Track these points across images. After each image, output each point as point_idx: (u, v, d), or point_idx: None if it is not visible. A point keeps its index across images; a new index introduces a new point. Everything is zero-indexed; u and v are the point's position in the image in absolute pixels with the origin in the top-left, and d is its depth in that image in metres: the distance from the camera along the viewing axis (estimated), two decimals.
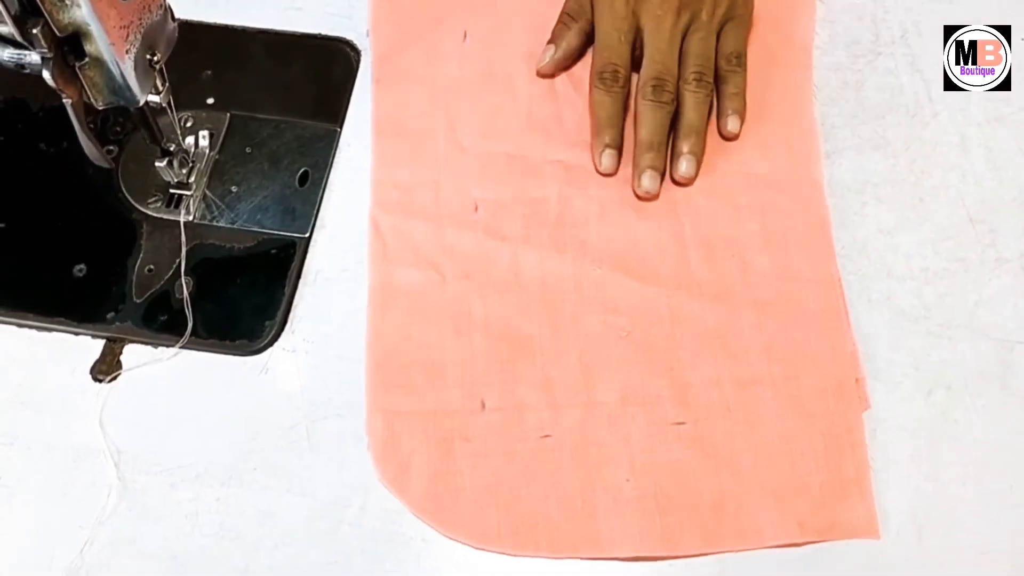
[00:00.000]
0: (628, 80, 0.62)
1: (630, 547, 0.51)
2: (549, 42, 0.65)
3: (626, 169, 0.61)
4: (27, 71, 0.47)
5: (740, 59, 0.63)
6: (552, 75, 0.65)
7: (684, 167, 0.60)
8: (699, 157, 0.61)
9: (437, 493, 0.52)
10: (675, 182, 0.61)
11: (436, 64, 0.65)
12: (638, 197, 0.60)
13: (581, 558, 0.51)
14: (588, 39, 0.65)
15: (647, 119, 0.61)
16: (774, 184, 0.61)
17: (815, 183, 0.61)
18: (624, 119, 0.62)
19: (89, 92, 0.49)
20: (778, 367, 0.55)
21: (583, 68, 0.65)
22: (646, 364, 0.56)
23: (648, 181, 0.60)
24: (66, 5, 0.44)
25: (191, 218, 0.59)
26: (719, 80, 0.63)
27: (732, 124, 0.62)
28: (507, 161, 0.62)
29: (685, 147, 0.61)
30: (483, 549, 0.51)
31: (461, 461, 0.53)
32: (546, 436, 0.54)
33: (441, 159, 0.62)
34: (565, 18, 0.65)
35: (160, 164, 0.58)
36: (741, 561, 0.51)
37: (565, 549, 0.51)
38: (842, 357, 0.56)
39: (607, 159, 0.61)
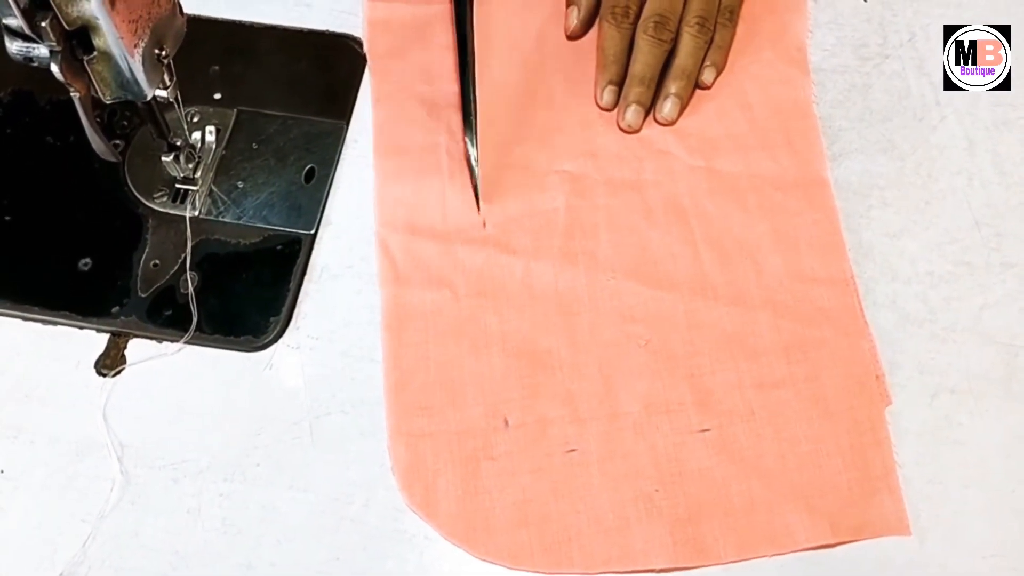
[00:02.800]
0: (637, 17, 0.63)
1: (666, 559, 0.51)
2: (569, 4, 0.66)
3: (630, 178, 0.62)
4: (35, 64, 0.47)
5: (733, 15, 0.65)
6: (581, 35, 0.66)
7: (668, 108, 0.62)
8: (684, 101, 0.63)
9: (467, 515, 0.52)
10: (657, 121, 0.63)
11: (433, 81, 0.65)
12: (622, 130, 0.63)
13: (616, 572, 0.51)
14: None
15: (643, 54, 0.62)
16: (781, 184, 0.61)
17: (822, 181, 0.61)
18: (630, 57, 0.64)
19: (97, 86, 0.49)
20: (799, 368, 0.55)
21: (581, 73, 0.65)
22: (667, 372, 0.55)
23: (632, 115, 0.62)
24: None
25: (197, 213, 0.59)
26: None
27: (708, 75, 0.64)
28: (512, 174, 0.62)
29: (673, 88, 0.62)
30: (517, 569, 0.51)
31: (488, 481, 0.53)
32: (572, 450, 0.53)
33: (445, 175, 0.61)
34: None
35: (166, 159, 0.58)
36: (743, 563, 0.51)
37: (599, 564, 0.51)
38: (861, 355, 0.56)
39: (608, 95, 0.63)
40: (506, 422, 0.54)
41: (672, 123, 0.63)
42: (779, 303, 0.57)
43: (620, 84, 0.63)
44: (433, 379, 0.55)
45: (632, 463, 0.53)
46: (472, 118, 0.59)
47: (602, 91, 0.63)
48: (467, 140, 0.60)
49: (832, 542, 0.51)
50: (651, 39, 0.62)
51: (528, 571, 0.51)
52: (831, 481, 0.52)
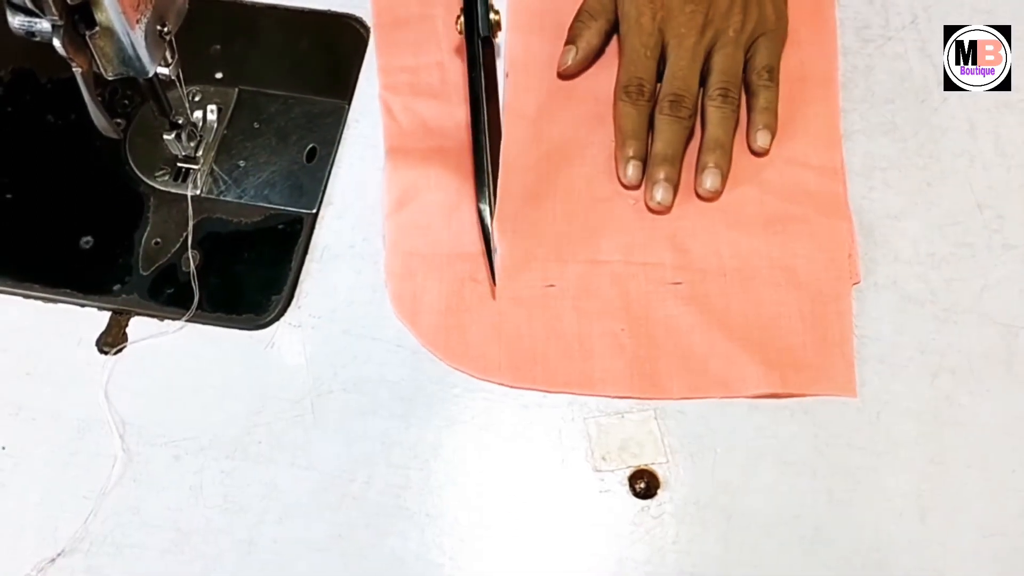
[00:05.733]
0: (653, 94, 0.61)
1: (622, 387, 0.54)
2: (567, 43, 0.64)
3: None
4: (37, 39, 0.47)
5: (772, 73, 0.61)
6: (576, 75, 0.64)
7: (709, 181, 0.59)
8: (724, 171, 0.59)
9: (446, 328, 0.56)
10: (699, 196, 0.60)
11: None
12: (650, 209, 0.59)
13: (574, 393, 0.54)
14: (608, 38, 0.64)
15: (663, 132, 0.60)
16: (792, 77, 0.63)
17: (832, 79, 0.63)
18: (649, 133, 0.61)
19: (99, 62, 0.49)
20: (776, 239, 0.58)
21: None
22: (650, 229, 0.59)
23: (661, 193, 0.59)
24: None
25: (198, 192, 0.59)
26: (750, 94, 0.62)
27: (762, 139, 0.60)
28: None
29: (710, 161, 0.59)
30: (483, 379, 0.55)
31: (470, 301, 0.57)
32: (551, 285, 0.57)
33: (443, 42, 0.65)
34: (584, 16, 0.64)
35: (168, 137, 0.58)
36: (744, 543, 0.51)
37: (560, 384, 0.55)
38: (837, 235, 0.58)
39: (632, 170, 0.60)
40: (495, 251, 0.57)
41: (717, 193, 0.59)
42: (767, 181, 0.60)
43: (641, 159, 0.60)
44: (431, 200, 0.59)
45: (604, 304, 0.57)
46: (486, 185, 0.58)
47: (624, 167, 0.60)
48: (479, 204, 0.58)
49: (781, 392, 0.54)
50: (669, 117, 0.60)
51: (493, 382, 0.55)
52: (789, 340, 0.55)
